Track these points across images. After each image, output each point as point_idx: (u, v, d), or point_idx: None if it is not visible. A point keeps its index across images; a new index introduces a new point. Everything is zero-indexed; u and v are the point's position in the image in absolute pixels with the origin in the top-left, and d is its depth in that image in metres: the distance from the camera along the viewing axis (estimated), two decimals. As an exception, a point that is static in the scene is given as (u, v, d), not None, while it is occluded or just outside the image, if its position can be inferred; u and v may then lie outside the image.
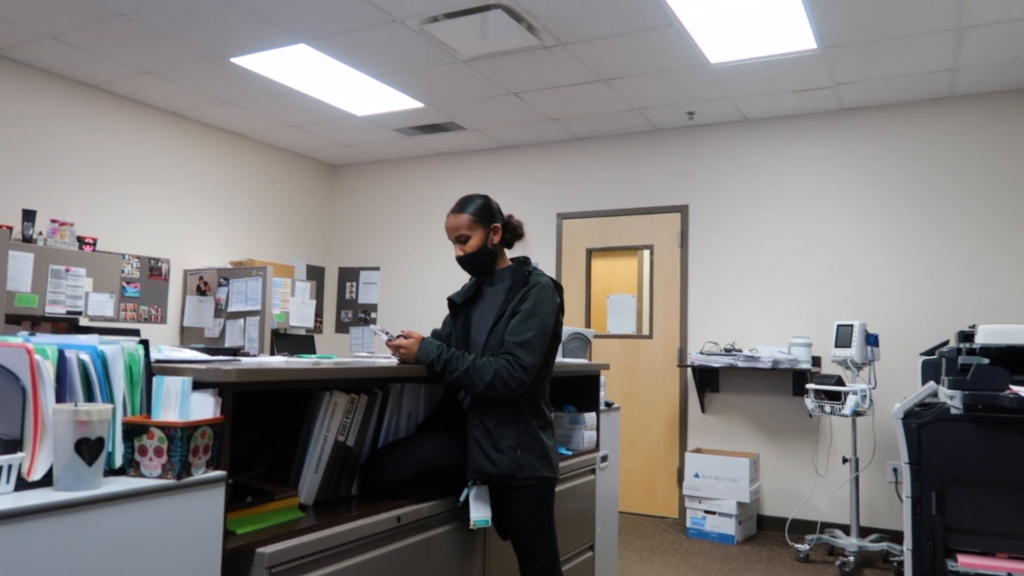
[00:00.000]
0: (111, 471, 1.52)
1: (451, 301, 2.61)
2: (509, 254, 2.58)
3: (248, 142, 6.43)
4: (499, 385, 2.24)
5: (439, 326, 2.80)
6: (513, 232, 2.53)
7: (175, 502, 1.51)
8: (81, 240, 4.70)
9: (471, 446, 2.33)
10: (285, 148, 6.75)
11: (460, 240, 2.44)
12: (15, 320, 4.19)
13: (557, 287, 2.46)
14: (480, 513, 2.31)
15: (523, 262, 2.51)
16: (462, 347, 2.50)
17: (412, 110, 5.52)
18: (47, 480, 1.40)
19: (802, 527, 4.99)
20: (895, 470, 4.76)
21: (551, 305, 2.38)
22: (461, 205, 2.46)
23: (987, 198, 4.85)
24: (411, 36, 4.22)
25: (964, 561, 2.74)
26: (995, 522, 2.77)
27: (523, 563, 2.37)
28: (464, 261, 2.46)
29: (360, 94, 5.22)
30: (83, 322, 4.56)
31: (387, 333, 2.40)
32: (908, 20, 3.90)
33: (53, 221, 4.58)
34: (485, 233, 2.45)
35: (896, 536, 4.37)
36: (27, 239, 4.38)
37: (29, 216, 4.42)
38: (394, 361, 2.43)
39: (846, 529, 4.69)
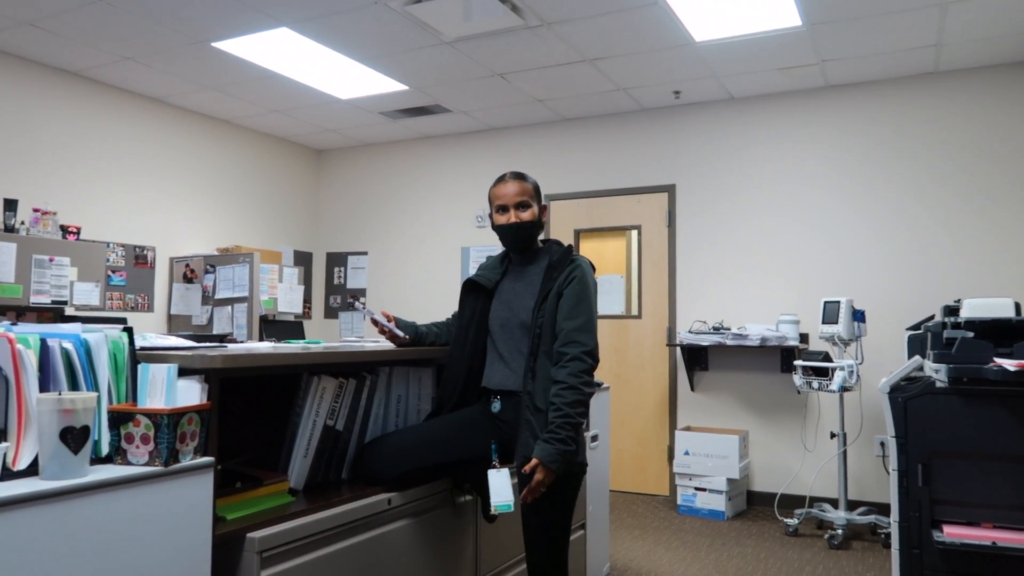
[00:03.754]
0: (98, 459, 1.52)
1: (473, 283, 2.49)
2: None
3: (232, 128, 6.37)
4: (585, 386, 2.20)
5: (429, 311, 2.79)
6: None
7: (163, 489, 1.51)
8: (64, 229, 4.65)
9: (521, 427, 2.21)
10: (269, 133, 6.69)
11: (522, 206, 2.39)
12: None
13: (592, 267, 2.45)
14: (502, 497, 2.18)
15: (559, 244, 2.48)
16: (475, 332, 2.43)
17: (397, 93, 5.48)
18: (32, 469, 1.39)
19: (791, 502, 5.04)
20: (882, 444, 4.81)
21: (594, 286, 2.37)
22: (522, 175, 2.44)
23: (972, 173, 4.87)
24: (394, 18, 4.18)
25: (950, 531, 2.77)
26: (980, 493, 2.80)
27: (537, 553, 2.26)
28: (519, 228, 2.39)
29: (344, 77, 5.17)
30: (69, 312, 4.53)
31: (365, 308, 2.38)
32: (892, -5, 3.90)
33: (35, 210, 4.53)
34: (539, 209, 2.44)
35: (883, 508, 4.42)
36: (9, 228, 4.34)
37: (11, 205, 4.38)
38: (382, 345, 2.42)
39: (834, 503, 4.74)
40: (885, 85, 5.13)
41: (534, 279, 2.40)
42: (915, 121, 5.04)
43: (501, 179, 2.44)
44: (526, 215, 2.39)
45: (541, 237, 2.52)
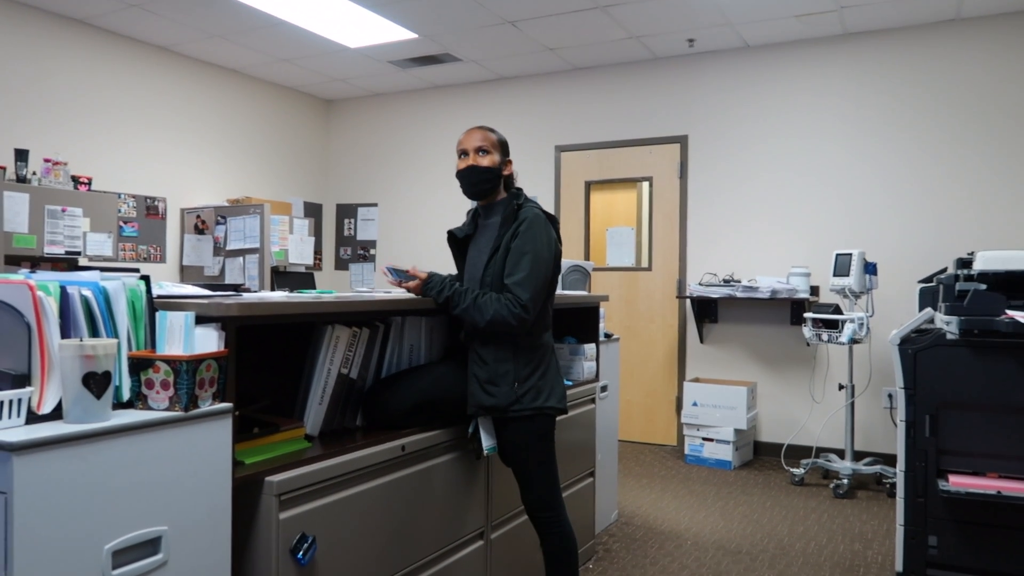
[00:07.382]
0: (119, 404, 1.55)
1: (452, 235, 2.61)
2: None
3: (241, 77, 6.31)
4: (500, 322, 2.27)
5: (439, 260, 2.82)
6: (510, 177, 2.53)
7: (184, 433, 1.54)
8: (76, 180, 4.66)
9: (470, 380, 2.36)
10: (278, 83, 6.62)
11: (480, 151, 2.42)
12: (14, 261, 4.19)
13: (550, 218, 2.45)
14: (490, 442, 2.38)
15: (514, 195, 2.49)
16: (463, 283, 2.51)
17: (406, 41, 5.40)
18: (57, 414, 1.42)
19: (798, 452, 5.10)
20: (890, 396, 4.85)
21: (544, 238, 2.35)
22: (490, 128, 2.48)
23: (990, 124, 4.79)
24: (403, -37, 4.09)
25: (955, 481, 2.81)
26: (986, 443, 2.83)
27: (523, 492, 2.42)
28: (473, 172, 2.42)
29: (353, 25, 5.09)
30: (82, 262, 4.56)
31: (395, 271, 2.41)
32: (915, -62, 3.78)
33: (47, 160, 4.53)
34: (501, 160, 2.46)
35: (889, 459, 4.47)
36: (21, 179, 4.35)
37: (22, 155, 4.37)
38: (394, 294, 2.45)
39: (840, 454, 4.79)
40: (905, 32, 5.01)
41: (491, 234, 2.45)
42: (934, 70, 4.94)
43: (468, 130, 2.48)
44: (484, 160, 2.42)
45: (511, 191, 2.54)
